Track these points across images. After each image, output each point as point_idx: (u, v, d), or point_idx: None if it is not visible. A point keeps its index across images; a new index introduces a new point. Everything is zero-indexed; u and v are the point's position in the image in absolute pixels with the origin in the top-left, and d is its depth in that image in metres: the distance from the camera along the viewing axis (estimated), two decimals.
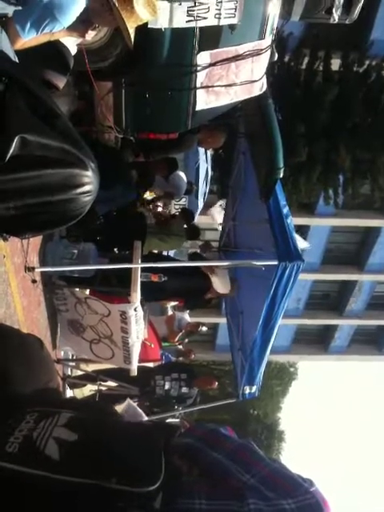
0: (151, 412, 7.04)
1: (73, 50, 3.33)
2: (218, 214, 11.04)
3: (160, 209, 8.55)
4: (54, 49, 2.99)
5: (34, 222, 1.85)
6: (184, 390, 7.00)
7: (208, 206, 11.23)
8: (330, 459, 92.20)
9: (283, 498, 1.18)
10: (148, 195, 8.15)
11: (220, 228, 8.63)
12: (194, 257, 7.60)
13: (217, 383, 7.41)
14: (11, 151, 1.64)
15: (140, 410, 1.61)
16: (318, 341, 24.55)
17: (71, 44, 3.26)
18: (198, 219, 9.34)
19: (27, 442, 1.18)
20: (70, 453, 1.17)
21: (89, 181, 1.78)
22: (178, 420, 9.64)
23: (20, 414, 1.30)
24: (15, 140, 1.63)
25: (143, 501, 1.11)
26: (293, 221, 5.55)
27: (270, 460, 1.33)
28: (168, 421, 7.22)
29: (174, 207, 11.31)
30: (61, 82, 3.14)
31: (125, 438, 1.29)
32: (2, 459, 1.13)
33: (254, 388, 6.49)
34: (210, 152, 10.62)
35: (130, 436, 1.31)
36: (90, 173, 1.78)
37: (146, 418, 1.65)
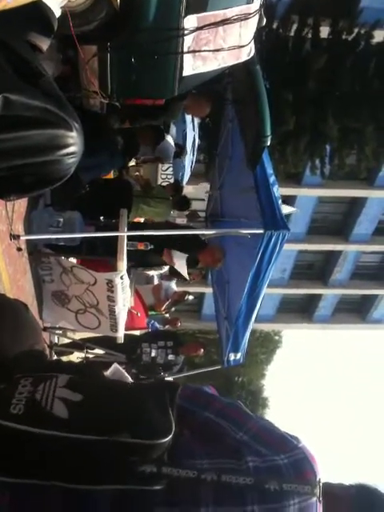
0: (138, 379, 7.11)
1: (57, 13, 3.24)
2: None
3: (140, 172, 8.52)
4: (37, 10, 2.91)
5: (19, 184, 1.83)
6: (170, 357, 7.07)
7: (194, 175, 11.18)
8: (312, 426, 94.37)
9: (276, 454, 1.23)
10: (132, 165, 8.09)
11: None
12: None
13: (203, 350, 7.49)
14: None
15: (126, 374, 1.63)
16: (302, 310, 24.85)
17: (55, 6, 3.17)
18: (185, 189, 9.27)
19: (32, 403, 1.18)
20: (78, 411, 1.18)
21: (73, 142, 1.76)
22: None
23: (11, 379, 1.30)
24: None
25: (156, 455, 1.13)
26: (279, 190, 5.55)
27: (258, 418, 1.37)
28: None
29: (161, 176, 11.22)
30: (44, 44, 3.06)
31: (134, 393, 1.31)
32: (9, 420, 1.13)
33: (239, 355, 6.57)
34: (196, 120, 10.49)
35: (138, 391, 1.33)
36: (74, 133, 1.76)
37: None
